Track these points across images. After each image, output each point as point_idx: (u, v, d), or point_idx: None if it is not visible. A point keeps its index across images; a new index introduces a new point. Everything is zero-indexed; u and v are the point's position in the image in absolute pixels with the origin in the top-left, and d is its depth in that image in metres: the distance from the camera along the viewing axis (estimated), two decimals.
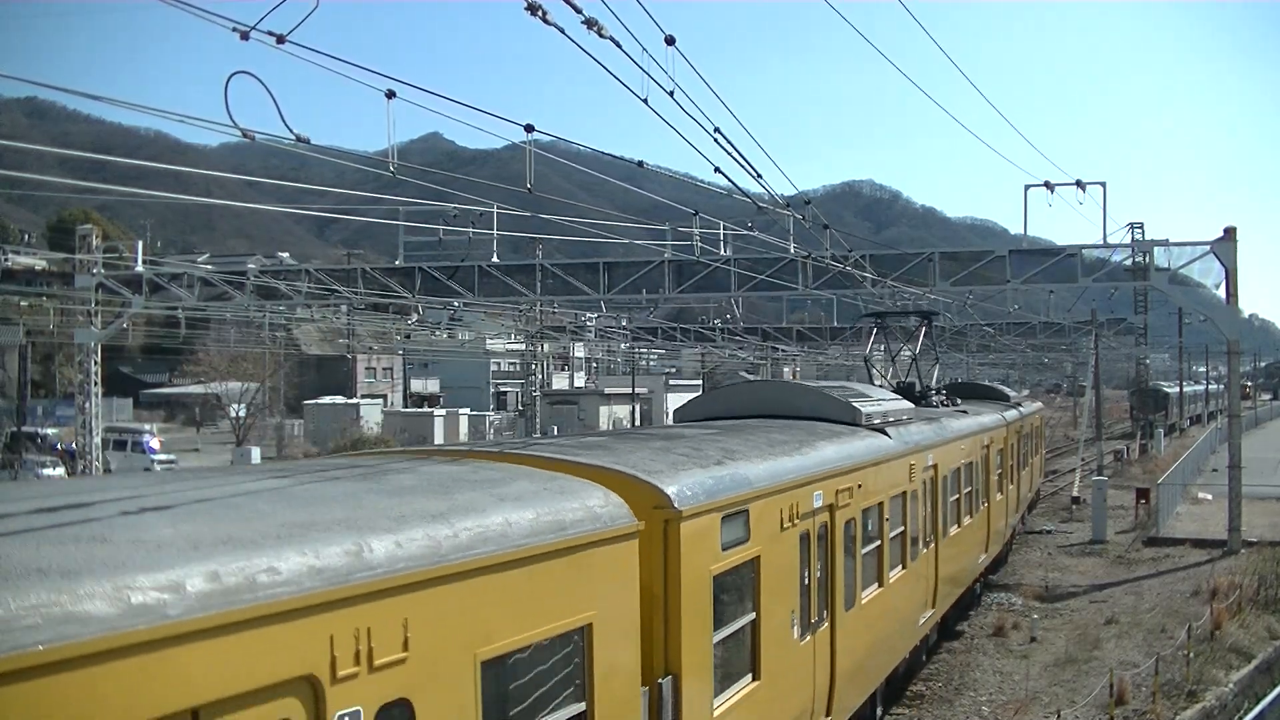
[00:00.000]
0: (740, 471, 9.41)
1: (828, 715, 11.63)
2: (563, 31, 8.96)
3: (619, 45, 9.41)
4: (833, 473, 11.81)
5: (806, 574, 10.86)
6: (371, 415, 77.58)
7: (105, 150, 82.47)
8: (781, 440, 11.47)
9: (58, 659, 3.58)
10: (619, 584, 7.15)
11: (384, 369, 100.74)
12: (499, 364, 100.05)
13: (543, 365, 70.63)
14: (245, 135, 11.52)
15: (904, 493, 15.44)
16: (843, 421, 14.37)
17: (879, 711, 15.21)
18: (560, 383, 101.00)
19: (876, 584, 13.87)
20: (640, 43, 9.67)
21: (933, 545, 17.60)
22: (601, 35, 9.09)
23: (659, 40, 10.01)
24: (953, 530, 19.36)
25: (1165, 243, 32.50)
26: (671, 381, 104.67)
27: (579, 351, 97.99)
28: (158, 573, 4.08)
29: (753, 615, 9.47)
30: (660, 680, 7.60)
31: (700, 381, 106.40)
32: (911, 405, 18.56)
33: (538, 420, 65.69)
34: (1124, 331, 66.73)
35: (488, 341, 74.58)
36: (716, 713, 8.54)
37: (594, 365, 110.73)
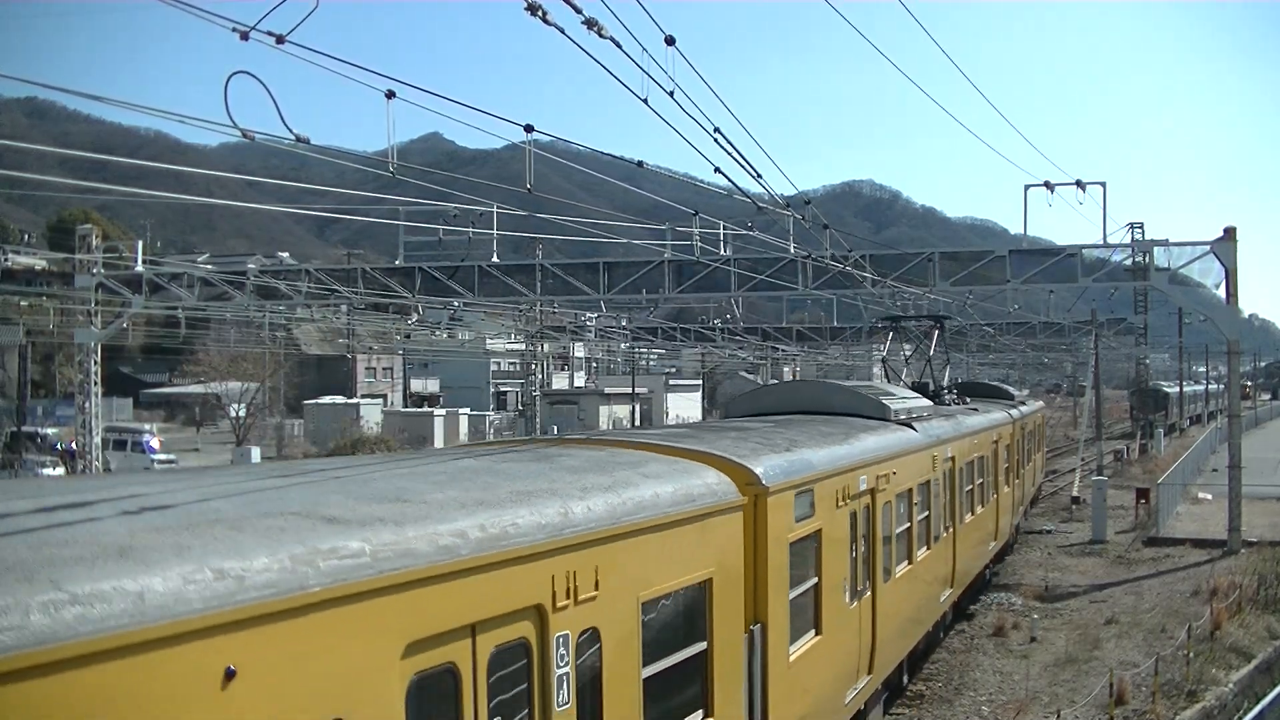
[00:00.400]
0: (805, 457, 11.02)
1: (869, 672, 13.22)
2: (563, 32, 8.96)
3: (619, 45, 9.41)
4: (873, 460, 13.43)
5: (855, 548, 12.51)
6: (371, 415, 77.57)
7: (105, 150, 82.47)
8: (829, 432, 13.16)
9: (401, 581, 5.12)
10: (729, 547, 8.81)
11: (384, 369, 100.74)
12: (499, 364, 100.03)
13: (543, 365, 70.63)
14: (245, 135, 11.52)
15: (928, 481, 17.01)
16: (874, 417, 15.86)
17: (905, 680, 16.98)
18: (560, 383, 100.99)
19: (907, 561, 15.50)
20: (640, 43, 9.68)
21: (951, 530, 19.11)
22: (601, 35, 9.09)
23: (659, 40, 10.02)
24: (968, 518, 20.87)
25: (1165, 243, 32.51)
26: (671, 381, 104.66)
27: (579, 351, 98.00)
28: (450, 524, 5.64)
29: (815, 579, 11.10)
30: (753, 627, 9.18)
31: (700, 382, 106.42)
32: (930, 403, 20.28)
33: (538, 420, 65.68)
34: (1124, 331, 66.72)
35: (488, 341, 74.57)
36: (791, 659, 10.12)
37: (594, 365, 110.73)
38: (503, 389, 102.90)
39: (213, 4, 8.77)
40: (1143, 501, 35.55)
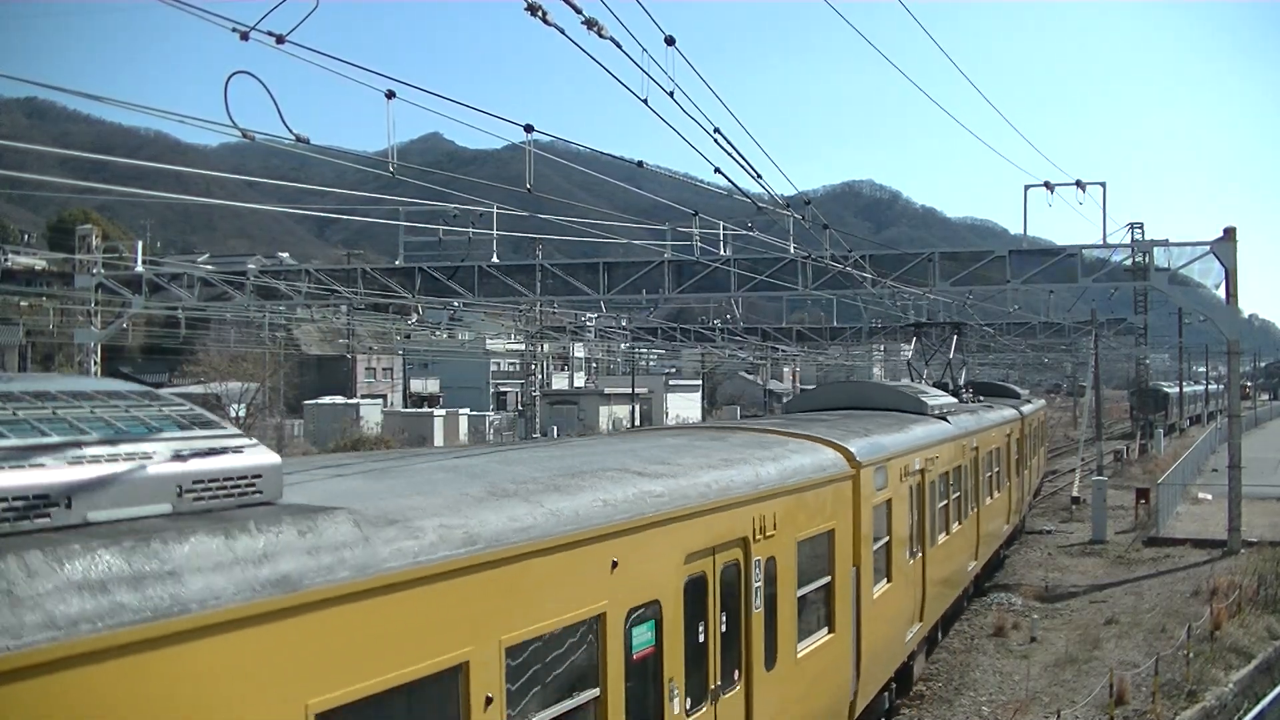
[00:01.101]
0: (880, 441, 14.16)
1: (920, 620, 16.60)
2: (563, 32, 8.97)
3: (619, 45, 9.41)
4: (923, 446, 16.55)
5: (912, 516, 15.75)
6: (371, 415, 77.52)
7: (105, 150, 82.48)
8: (888, 423, 16.04)
9: (682, 514, 8.04)
10: (842, 506, 11.90)
11: (384, 369, 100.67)
12: (499, 364, 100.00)
13: (543, 365, 70.66)
14: (245, 135, 11.52)
15: (960, 466, 20.09)
16: (914, 412, 18.77)
17: (939, 635, 19.81)
18: (560, 383, 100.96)
19: (945, 532, 18.46)
20: (640, 43, 9.68)
21: (976, 510, 22.08)
22: (601, 36, 9.09)
23: (659, 40, 10.02)
24: (987, 500, 23.76)
25: (1165, 243, 32.51)
26: (671, 382, 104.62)
27: (579, 351, 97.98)
28: (699, 479, 8.64)
29: (887, 538, 14.15)
30: (854, 568, 12.26)
31: (700, 382, 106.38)
32: (955, 400, 23.50)
33: (537, 420, 65.66)
34: (1124, 331, 66.70)
35: (488, 341, 74.58)
36: (875, 597, 13.31)
37: (594, 365, 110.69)
38: (503, 389, 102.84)
39: (213, 4, 8.77)
40: (1143, 502, 35.54)
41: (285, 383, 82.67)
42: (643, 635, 7.64)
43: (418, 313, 44.40)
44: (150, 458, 4.66)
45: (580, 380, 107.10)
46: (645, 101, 10.59)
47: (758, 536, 9.41)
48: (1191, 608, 22.20)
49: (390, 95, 12.55)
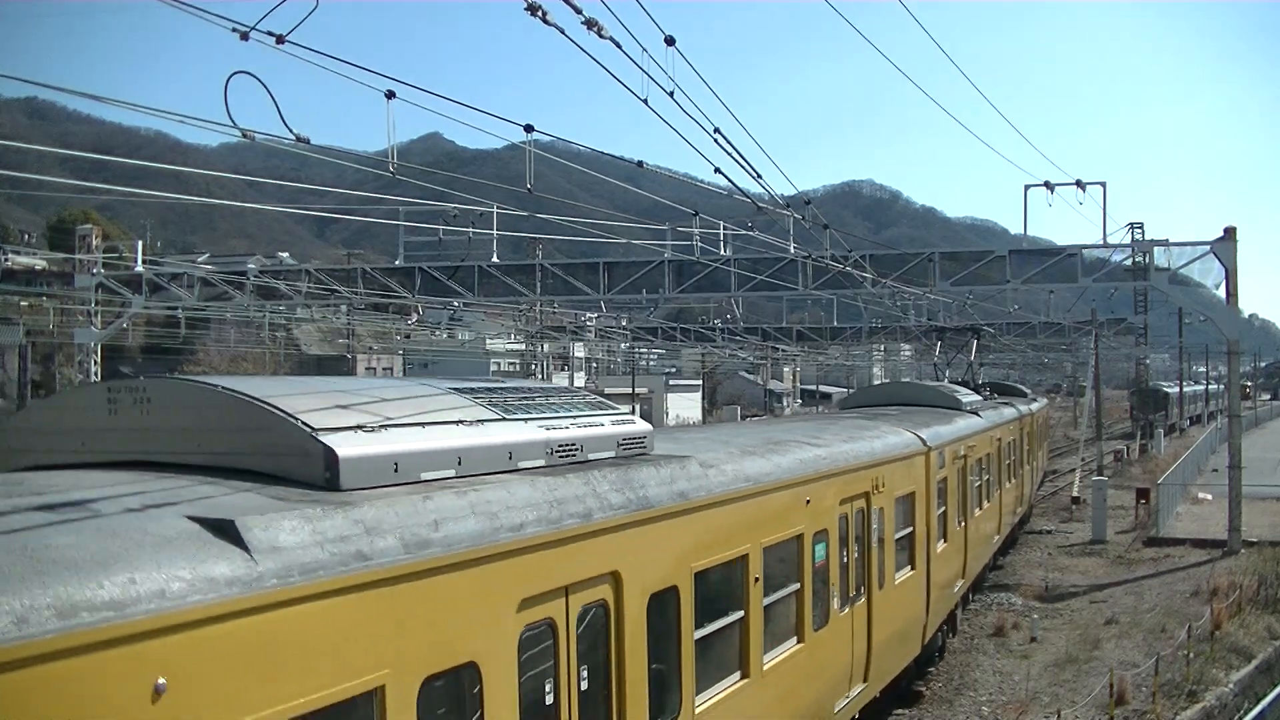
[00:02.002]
0: (938, 430, 18.00)
1: (963, 578, 20.66)
2: (563, 32, 8.96)
3: (619, 46, 9.41)
4: (964, 436, 20.49)
5: (959, 492, 19.65)
6: None
7: (105, 150, 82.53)
8: (935, 417, 19.61)
9: (850, 469, 12.70)
10: (918, 477, 15.99)
11: (384, 369, 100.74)
12: (499, 364, 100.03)
13: (543, 365, 70.62)
14: (245, 135, 11.51)
15: (989, 454, 23.82)
16: (951, 408, 22.55)
17: (970, 595, 23.13)
18: (560, 382, 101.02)
19: (978, 508, 22.34)
20: (640, 43, 9.67)
21: (998, 493, 25.48)
22: (601, 36, 9.08)
23: (659, 40, 10.01)
24: (1008, 485, 27.52)
25: (1165, 243, 32.51)
26: (671, 382, 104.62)
27: (579, 351, 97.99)
28: (843, 448, 12.89)
29: (944, 508, 18.19)
30: (926, 525, 16.40)
31: (700, 382, 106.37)
32: (979, 397, 26.98)
33: None
34: (1124, 331, 66.67)
35: (488, 341, 74.57)
36: (937, 551, 17.24)
37: (594, 365, 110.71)
38: None
39: (213, 4, 8.76)
40: (1143, 501, 35.54)
41: None
42: (820, 551, 11.61)
43: (418, 313, 44.41)
44: (601, 425, 8.37)
45: (580, 380, 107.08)
46: (645, 101, 10.59)
47: (874, 491, 13.53)
48: (1191, 608, 22.20)
49: (390, 95, 12.54)
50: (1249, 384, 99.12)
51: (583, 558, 6.97)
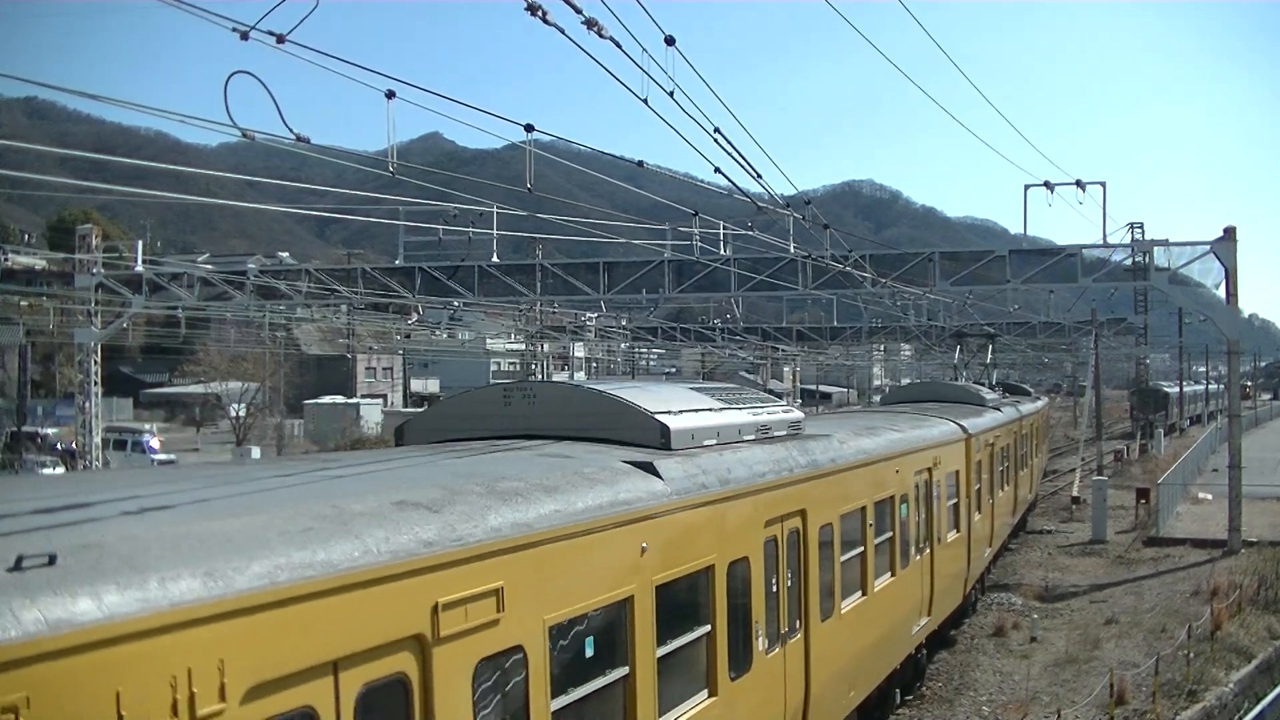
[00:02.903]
0: (973, 421, 21.92)
1: (990, 545, 24.39)
2: (563, 32, 8.96)
3: (619, 45, 9.41)
4: (991, 428, 24.27)
5: (989, 474, 23.61)
6: (371, 415, 77.52)
7: (105, 150, 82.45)
8: (966, 411, 23.21)
9: (907, 451, 16.17)
10: (960, 459, 19.66)
11: (384, 369, 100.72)
12: (499, 364, 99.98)
13: (543, 365, 70.58)
14: (245, 135, 11.51)
15: (1008, 444, 27.45)
16: (978, 404, 26.34)
17: (988, 570, 26.06)
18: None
19: (1001, 490, 25.98)
20: (640, 43, 9.67)
21: (1015, 477, 28.98)
22: (601, 35, 9.08)
23: (659, 40, 10.01)
24: (1022, 472, 31.01)
25: (1165, 243, 32.50)
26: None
27: (579, 351, 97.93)
28: (912, 433, 17.17)
29: (979, 486, 22.03)
30: (968, 497, 20.18)
31: (700, 382, 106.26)
32: (998, 395, 31.12)
33: None
34: (1124, 331, 66.66)
35: (488, 341, 74.54)
36: (975, 519, 21.16)
37: (594, 365, 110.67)
38: None
39: (213, 4, 8.76)
40: (1143, 501, 35.52)
41: (285, 382, 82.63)
42: (903, 510, 15.43)
43: (418, 312, 44.38)
44: (777, 413, 11.97)
45: (580, 380, 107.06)
46: (645, 101, 10.59)
47: (934, 467, 17.46)
48: (1192, 607, 22.20)
49: (390, 95, 12.54)
50: (1249, 384, 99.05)
51: (786, 497, 10.70)
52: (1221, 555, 27.95)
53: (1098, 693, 16.09)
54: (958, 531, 19.61)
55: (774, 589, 10.35)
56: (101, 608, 4.02)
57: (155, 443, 58.58)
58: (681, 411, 9.87)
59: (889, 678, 15.34)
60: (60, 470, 45.51)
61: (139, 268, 38.33)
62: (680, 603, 8.44)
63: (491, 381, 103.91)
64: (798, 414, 12.85)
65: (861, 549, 13.35)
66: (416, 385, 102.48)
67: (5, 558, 4.00)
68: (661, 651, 7.87)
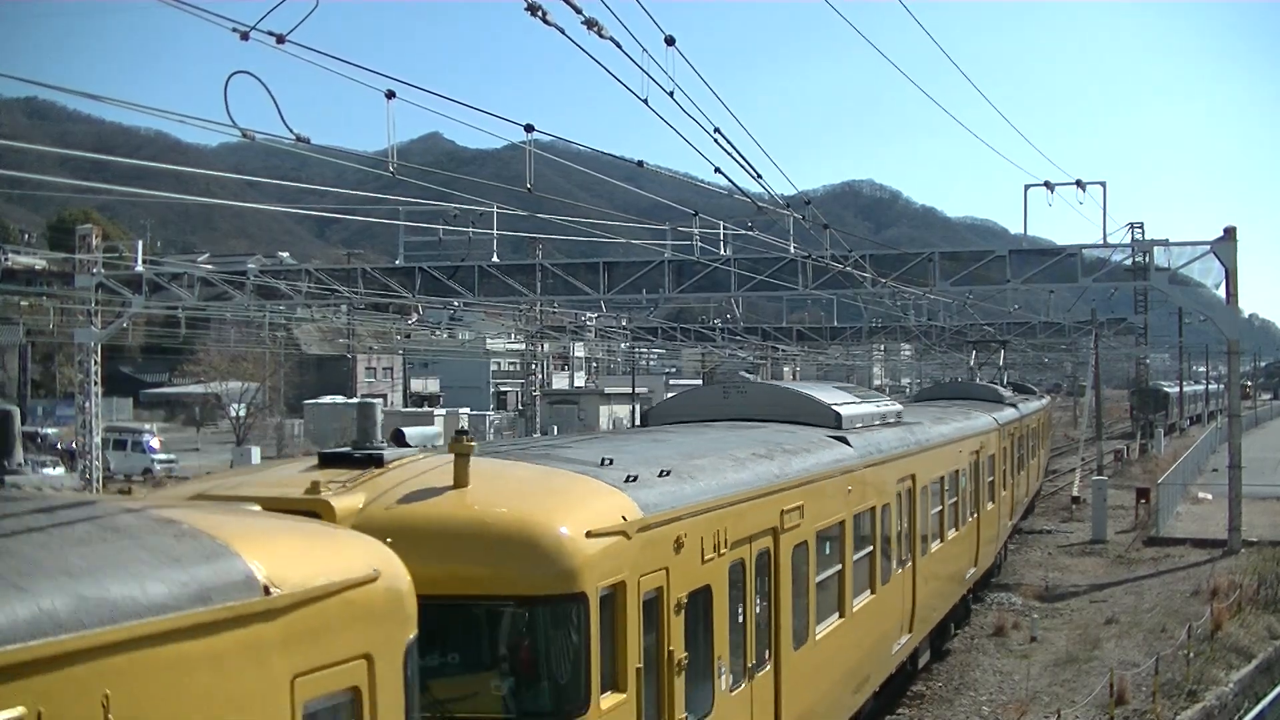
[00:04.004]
0: (999, 414, 26.70)
1: (1010, 519, 28.31)
2: (563, 32, 8.97)
3: (619, 46, 9.41)
4: (1012, 420, 28.39)
5: (1013, 458, 28.13)
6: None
7: (105, 150, 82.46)
8: (990, 407, 27.53)
9: (965, 436, 21.42)
10: (995, 445, 24.65)
11: (384, 369, 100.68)
12: (499, 364, 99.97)
13: (543, 365, 70.60)
14: (245, 135, 11.52)
15: (1021, 435, 30.99)
16: (997, 401, 30.03)
17: (1004, 554, 28.72)
18: (560, 383, 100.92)
19: (1017, 475, 29.66)
20: (640, 43, 9.68)
21: (1026, 466, 32.65)
22: (601, 36, 9.09)
23: (659, 40, 10.03)
24: (1031, 463, 34.52)
25: (1165, 243, 32.49)
26: (671, 381, 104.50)
27: (579, 351, 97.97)
28: (963, 424, 21.82)
29: (1005, 467, 26.17)
30: (997, 476, 25.18)
31: (700, 381, 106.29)
32: (1011, 393, 35.31)
33: (538, 420, 65.65)
34: (1124, 331, 66.64)
35: (488, 341, 74.57)
36: (1001, 494, 25.25)
37: (594, 365, 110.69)
38: (503, 389, 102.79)
39: (213, 4, 8.77)
40: (1143, 501, 35.51)
41: (285, 382, 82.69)
42: (963, 481, 20.10)
43: (418, 312, 44.37)
44: (887, 405, 17.19)
45: (580, 380, 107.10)
46: (645, 101, 10.60)
47: (980, 450, 22.24)
48: (1192, 607, 22.19)
49: (390, 95, 12.55)
50: (1249, 384, 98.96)
51: (906, 465, 15.42)
52: (1221, 555, 27.94)
53: (1098, 693, 16.09)
54: (993, 503, 24.11)
55: (900, 528, 15.29)
56: (708, 492, 8.91)
57: (155, 443, 58.55)
58: (844, 403, 14.65)
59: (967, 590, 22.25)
60: (60, 471, 45.50)
61: (139, 268, 38.33)
62: (860, 529, 13.26)
63: (491, 381, 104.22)
64: (899, 406, 17.83)
65: (940, 507, 18.29)
66: (416, 385, 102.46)
67: (620, 473, 7.97)
68: (855, 556, 12.93)
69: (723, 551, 8.76)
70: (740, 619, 9.31)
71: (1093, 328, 52.48)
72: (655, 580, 7.66)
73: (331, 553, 5.07)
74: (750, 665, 9.60)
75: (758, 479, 9.93)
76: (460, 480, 6.96)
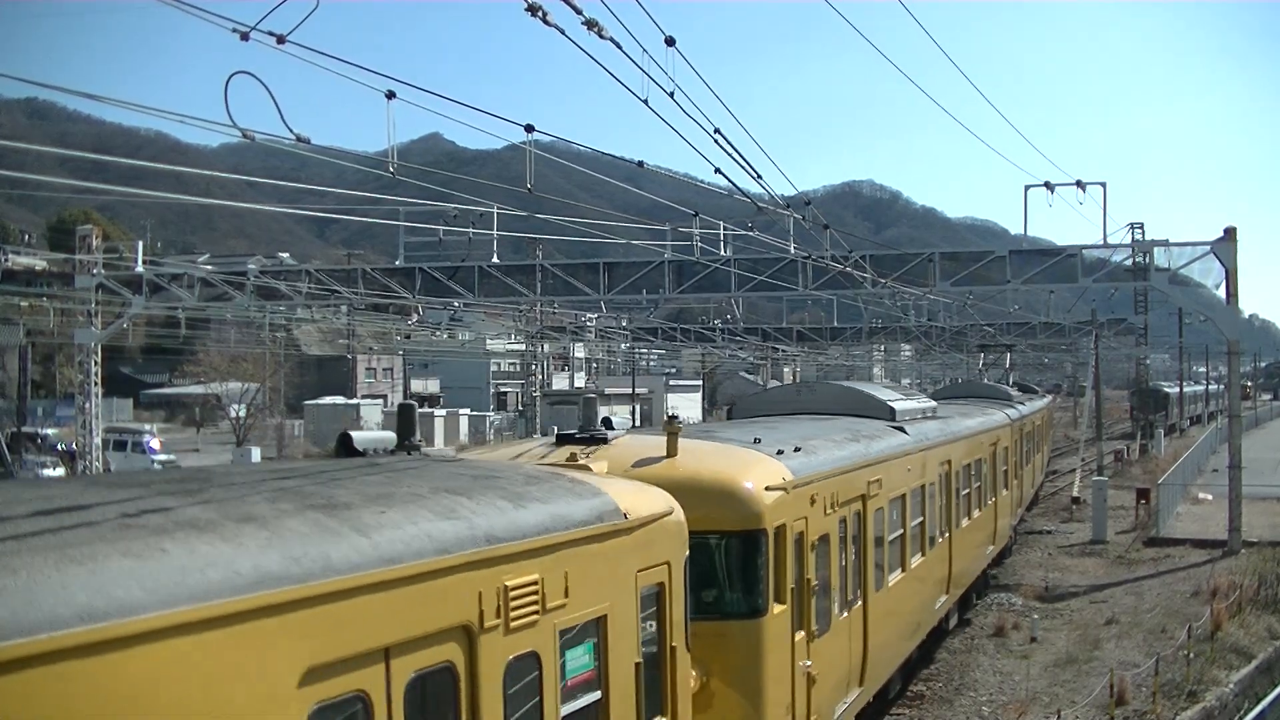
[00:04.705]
0: (1012, 411, 30.84)
1: (1021, 504, 32.61)
2: (563, 32, 8.96)
3: (619, 46, 9.41)
4: (1023, 417, 32.10)
5: (1024, 450, 32.24)
6: (372, 416, 77.32)
7: (105, 150, 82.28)
8: (1002, 405, 30.72)
9: (995, 428, 26.54)
10: (1008, 438, 28.17)
11: (384, 369, 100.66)
12: (499, 364, 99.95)
13: (543, 365, 70.58)
14: (245, 135, 11.52)
15: (1030, 430, 34.62)
16: (1007, 399, 33.46)
17: (1014, 538, 31.35)
18: (560, 383, 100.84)
19: (1028, 463, 33.62)
20: (640, 43, 9.67)
21: (1034, 457, 36.69)
22: (602, 36, 9.08)
23: (659, 41, 10.02)
24: (1036, 458, 38.28)
25: (1165, 243, 32.49)
26: (671, 382, 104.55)
27: (579, 352, 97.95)
28: (987, 419, 25.95)
29: (1017, 459, 29.74)
30: (1016, 462, 30.23)
31: (700, 382, 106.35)
32: (1019, 393, 39.63)
33: (538, 420, 65.63)
34: (1124, 331, 66.62)
35: (488, 342, 74.56)
36: (1015, 482, 29.50)
37: (594, 365, 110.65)
38: (503, 389, 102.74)
39: (213, 4, 8.77)
40: (1143, 502, 35.51)
41: (285, 383, 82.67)
42: (985, 469, 23.58)
43: (418, 313, 44.35)
44: (925, 402, 21.00)
45: (580, 380, 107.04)
46: (645, 102, 10.59)
47: (998, 443, 25.25)
48: (1192, 608, 22.19)
49: (390, 95, 12.55)
50: (1249, 384, 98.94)
51: (943, 453, 18.57)
52: (1221, 555, 27.94)
53: (1098, 693, 16.09)
54: (1007, 490, 27.19)
55: (941, 503, 18.43)
56: (826, 464, 12.04)
57: (155, 443, 58.53)
58: (895, 400, 18.09)
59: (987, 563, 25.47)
60: (60, 471, 45.48)
61: (139, 268, 38.33)
62: (916, 502, 16.36)
63: (491, 382, 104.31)
64: (935, 403, 21.43)
65: (969, 490, 21.48)
66: (417, 385, 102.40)
67: (772, 448, 11.09)
68: (912, 524, 15.96)
69: (836, 509, 11.96)
70: (843, 563, 12.39)
71: (1093, 328, 52.45)
72: (799, 525, 10.71)
73: (648, 497, 7.72)
74: (849, 599, 12.70)
75: (853, 456, 13.31)
76: (672, 451, 9.88)
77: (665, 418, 10.80)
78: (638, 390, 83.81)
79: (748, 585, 9.68)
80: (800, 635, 10.66)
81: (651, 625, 7.58)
